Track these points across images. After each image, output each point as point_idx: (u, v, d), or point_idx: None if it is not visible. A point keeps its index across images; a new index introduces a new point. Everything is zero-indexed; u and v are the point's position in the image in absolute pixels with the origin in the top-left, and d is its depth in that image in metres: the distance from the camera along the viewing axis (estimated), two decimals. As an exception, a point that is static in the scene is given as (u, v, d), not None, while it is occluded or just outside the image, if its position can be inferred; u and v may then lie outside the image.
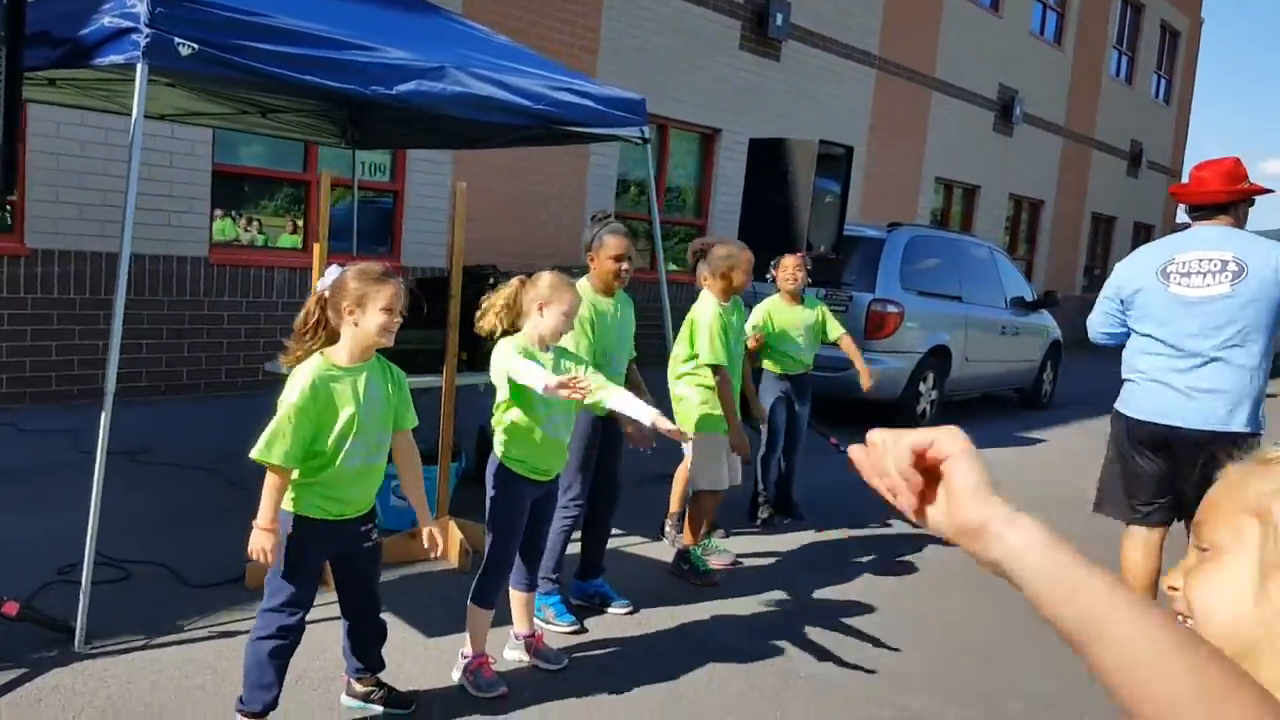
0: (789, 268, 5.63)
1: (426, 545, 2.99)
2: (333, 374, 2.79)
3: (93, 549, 3.54)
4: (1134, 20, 22.85)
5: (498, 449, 3.38)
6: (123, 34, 3.55)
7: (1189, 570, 0.97)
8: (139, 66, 3.50)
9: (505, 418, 3.35)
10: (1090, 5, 20.69)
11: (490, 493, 3.41)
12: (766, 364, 5.72)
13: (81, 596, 3.51)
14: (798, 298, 5.68)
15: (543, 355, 3.31)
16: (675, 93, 11.97)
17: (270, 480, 2.73)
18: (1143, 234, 25.20)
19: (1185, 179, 4.11)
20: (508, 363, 3.18)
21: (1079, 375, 13.10)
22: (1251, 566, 0.90)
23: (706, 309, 4.63)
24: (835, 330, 5.86)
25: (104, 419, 3.55)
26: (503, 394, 3.31)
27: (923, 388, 9.16)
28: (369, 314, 2.76)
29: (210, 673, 3.41)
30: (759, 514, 5.77)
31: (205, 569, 4.29)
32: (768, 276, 5.85)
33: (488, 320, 3.36)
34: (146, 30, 3.46)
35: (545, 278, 3.33)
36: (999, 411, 10.95)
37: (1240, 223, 3.88)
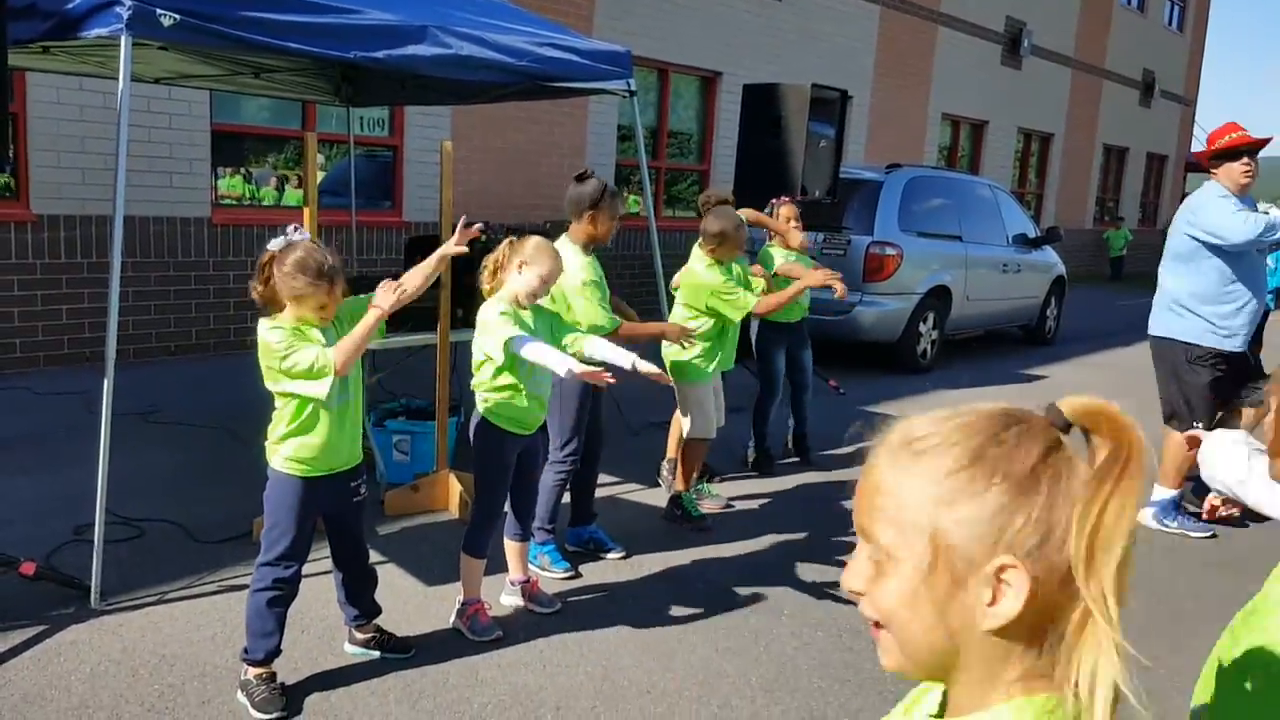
0: (790, 219, 5.69)
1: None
2: (295, 328, 2.92)
3: (103, 509, 3.69)
4: (1146, -55, 22.38)
5: (480, 406, 3.49)
6: (105, 6, 3.61)
7: (869, 580, 0.89)
8: (123, 38, 3.56)
9: (492, 380, 3.45)
10: (1100, -69, 20.26)
11: (476, 447, 3.53)
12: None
13: (95, 555, 3.67)
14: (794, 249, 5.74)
15: (523, 314, 3.41)
16: (676, 36, 11.89)
17: (364, 325, 2.91)
18: (1155, 164, 24.90)
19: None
20: (503, 335, 3.26)
21: (1083, 310, 13.11)
22: (927, 585, 0.83)
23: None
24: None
25: (107, 385, 3.70)
26: (480, 355, 3.41)
27: (923, 328, 9.21)
28: (304, 310, 2.91)
29: (220, 624, 3.57)
30: (767, 468, 5.84)
31: (214, 525, 4.46)
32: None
33: (483, 281, 3.48)
34: (128, 2, 3.51)
35: (532, 240, 3.43)
36: (1003, 349, 11.00)
37: (1220, 176, 4.93)
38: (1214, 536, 5.10)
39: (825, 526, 4.96)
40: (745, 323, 5.75)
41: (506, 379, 3.42)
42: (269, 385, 2.95)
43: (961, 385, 8.79)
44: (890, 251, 8.68)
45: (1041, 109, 19.71)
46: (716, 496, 5.17)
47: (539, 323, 3.50)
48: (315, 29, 3.97)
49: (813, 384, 6.10)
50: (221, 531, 4.40)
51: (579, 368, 3.12)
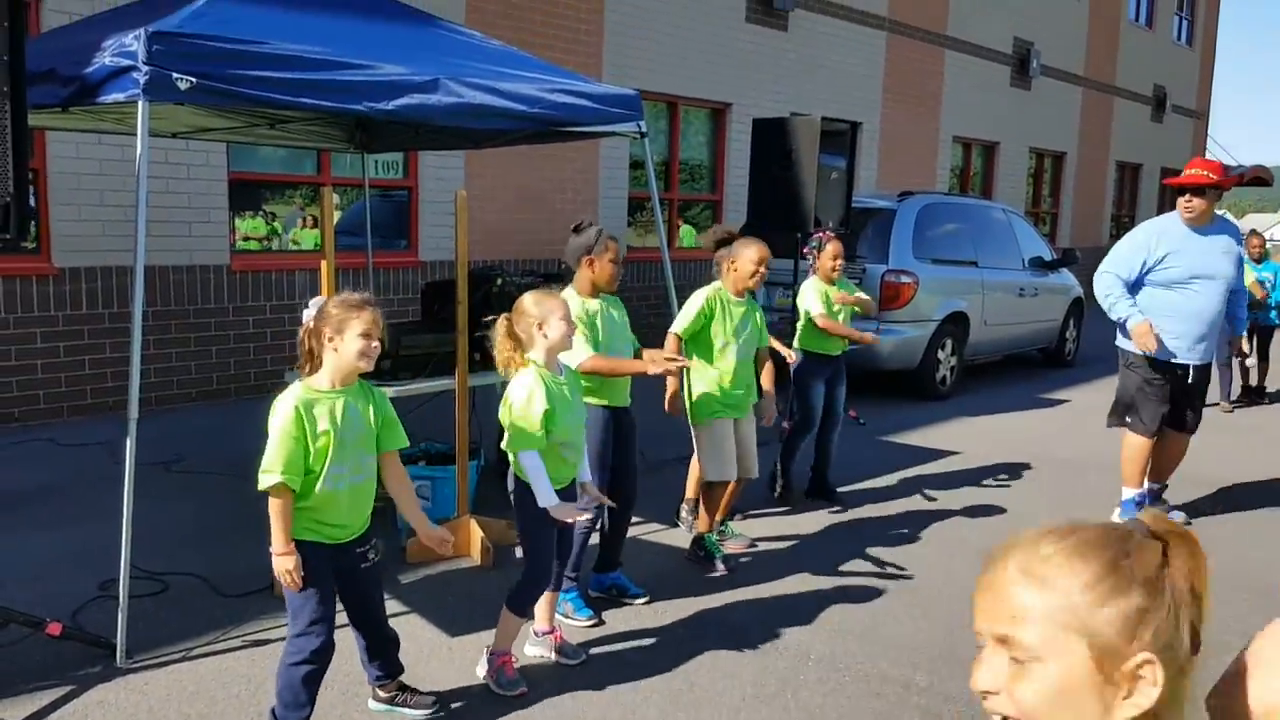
0: (836, 257, 5.70)
1: (437, 549, 3.12)
2: (312, 398, 2.90)
3: (128, 566, 3.71)
4: (1151, -38, 22.42)
5: (515, 466, 3.48)
6: (123, 72, 3.67)
7: (1009, 679, 0.99)
8: (140, 104, 3.62)
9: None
10: (1105, -50, 20.32)
11: (516, 505, 3.53)
12: (806, 346, 5.79)
13: (120, 613, 3.69)
14: (833, 280, 5.76)
15: (554, 380, 3.42)
16: (683, 70, 11.97)
17: (274, 505, 2.86)
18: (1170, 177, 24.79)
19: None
20: (524, 436, 3.33)
21: (1104, 330, 13.01)
22: (1073, 681, 0.96)
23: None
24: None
25: (129, 443, 3.72)
26: (506, 422, 3.41)
27: (941, 355, 9.18)
28: (347, 340, 2.87)
29: (245, 682, 3.57)
30: (787, 497, 5.83)
31: (238, 577, 4.47)
32: (805, 255, 5.92)
33: (502, 364, 3.46)
34: (145, 68, 3.57)
35: (526, 300, 3.42)
36: (1023, 373, 10.95)
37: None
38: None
39: (851, 565, 4.92)
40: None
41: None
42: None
43: (982, 412, 8.75)
44: (906, 279, 8.67)
45: (1053, 128, 19.70)
46: (740, 536, 5.14)
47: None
48: (328, 85, 4.03)
49: (842, 422, 6.01)
50: (245, 584, 4.41)
51: (555, 506, 3.33)
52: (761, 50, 13.01)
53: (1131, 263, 5.43)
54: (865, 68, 14.84)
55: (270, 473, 2.83)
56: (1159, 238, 5.40)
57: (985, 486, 6.42)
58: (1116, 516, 5.53)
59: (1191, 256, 5.33)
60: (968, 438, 7.77)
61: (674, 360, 4.12)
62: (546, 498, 3.34)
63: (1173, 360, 5.44)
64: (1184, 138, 24.90)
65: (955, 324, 9.28)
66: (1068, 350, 11.53)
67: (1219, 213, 5.57)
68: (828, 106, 13.71)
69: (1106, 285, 5.48)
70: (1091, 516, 0.95)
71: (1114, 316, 5.49)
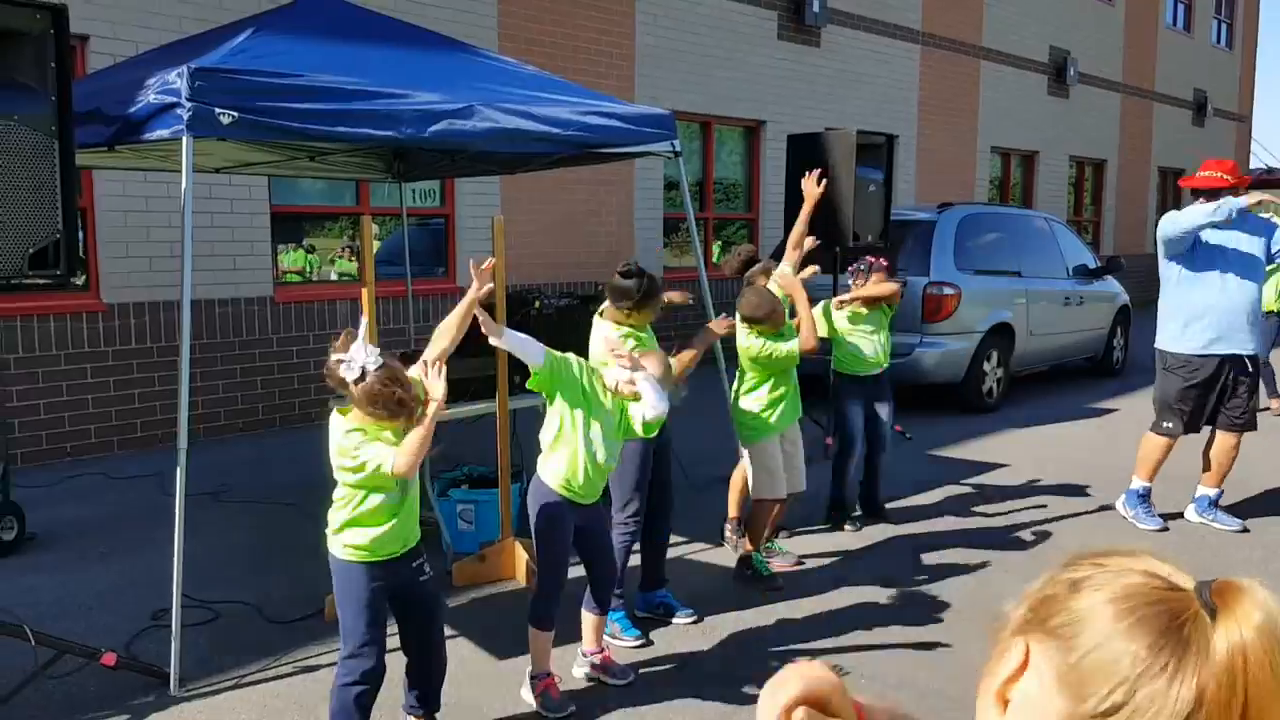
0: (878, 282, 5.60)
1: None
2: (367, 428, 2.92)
3: (179, 596, 3.75)
4: (1188, -35, 22.17)
5: (541, 462, 3.48)
6: (167, 109, 3.74)
7: None
8: (184, 139, 3.69)
9: (553, 438, 3.46)
10: (1139, -45, 20.13)
11: (531, 512, 3.53)
12: (839, 368, 5.72)
13: (173, 642, 3.72)
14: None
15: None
16: (716, 90, 12.00)
17: (419, 433, 2.84)
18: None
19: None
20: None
21: (1152, 337, 12.79)
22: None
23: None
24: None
25: (179, 474, 3.76)
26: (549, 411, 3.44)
27: (987, 367, 9.06)
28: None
29: (297, 708, 3.59)
30: (844, 522, 5.68)
31: (287, 604, 4.50)
32: (848, 273, 5.83)
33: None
34: (188, 104, 3.64)
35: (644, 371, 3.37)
36: (1071, 383, 10.77)
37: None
38: (1165, 529, 5.65)
39: (900, 582, 4.84)
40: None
41: (566, 445, 3.42)
42: (337, 477, 2.97)
43: (1031, 424, 8.61)
44: (948, 291, 8.58)
45: (1092, 136, 19.48)
46: (787, 554, 5.09)
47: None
48: (365, 114, 4.07)
49: (891, 440, 5.89)
50: (294, 610, 4.43)
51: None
52: (794, 67, 13.00)
53: (1183, 230, 5.38)
54: (900, 81, 14.79)
55: (391, 461, 2.82)
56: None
57: (1035, 499, 6.30)
58: (1120, 506, 5.86)
59: (1219, 250, 5.40)
60: (1016, 450, 7.65)
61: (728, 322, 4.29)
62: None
63: (1209, 353, 5.44)
64: (1226, 141, 24.49)
65: (1000, 335, 9.16)
66: (1115, 359, 11.34)
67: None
68: (863, 121, 13.66)
69: (1191, 213, 5.32)
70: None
71: (1216, 215, 5.14)
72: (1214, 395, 5.53)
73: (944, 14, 15.42)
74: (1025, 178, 18.25)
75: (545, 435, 3.49)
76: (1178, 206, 23.75)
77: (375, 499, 2.93)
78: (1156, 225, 5.67)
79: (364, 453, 2.84)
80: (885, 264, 5.74)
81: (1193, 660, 0.74)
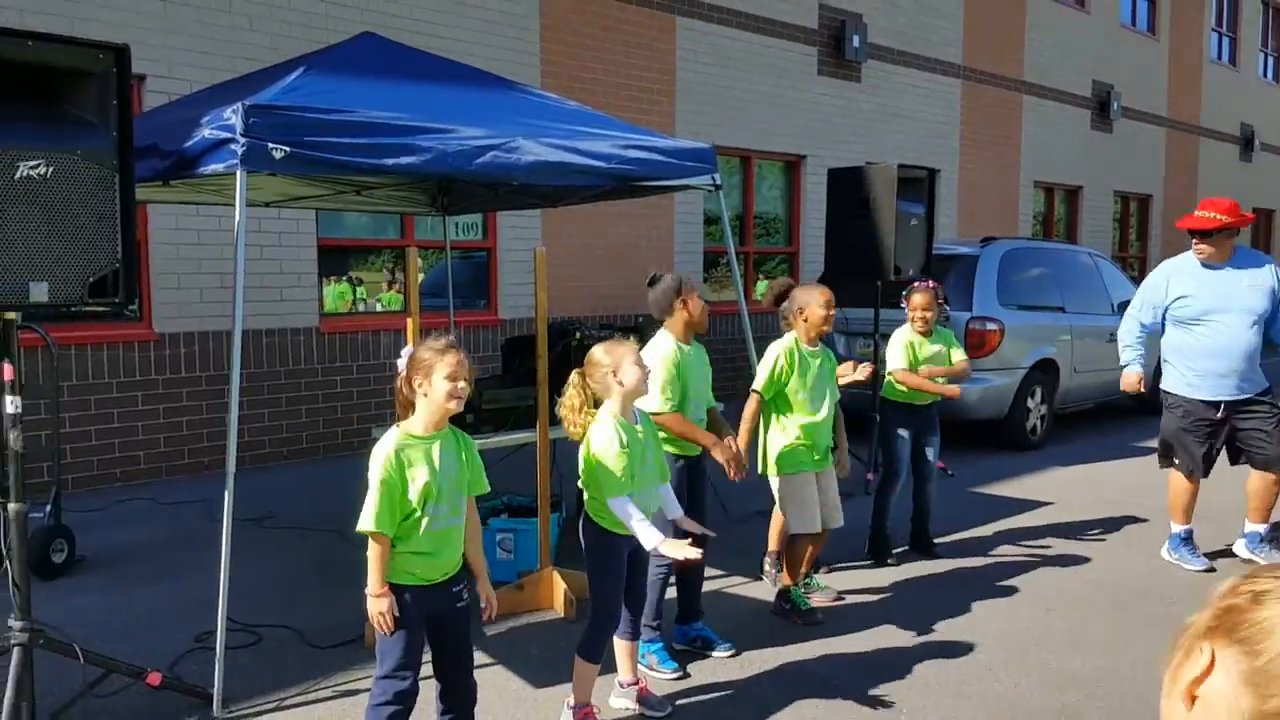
0: (919, 308, 5.61)
1: (483, 607, 3.15)
2: (408, 443, 2.98)
3: (224, 619, 3.81)
4: (1232, 0, 22.00)
5: (588, 508, 3.51)
6: (222, 144, 3.86)
7: None
8: (239, 173, 3.80)
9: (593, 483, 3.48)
10: (1184, -10, 20.04)
11: (587, 548, 3.54)
12: (889, 395, 5.71)
13: (217, 664, 3.78)
14: (928, 331, 5.68)
15: (630, 427, 3.45)
16: (756, 125, 12.09)
17: (373, 549, 2.93)
18: (1263, 219, 24.05)
19: None
20: (609, 478, 3.35)
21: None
22: None
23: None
24: (957, 356, 5.77)
25: (227, 498, 3.83)
26: (583, 469, 3.45)
27: (1031, 403, 8.97)
28: (435, 383, 2.94)
29: (335, 732, 3.62)
30: (886, 557, 5.63)
31: (328, 630, 4.55)
32: (902, 305, 5.83)
33: (572, 426, 3.49)
34: (242, 139, 3.75)
35: (596, 351, 3.47)
36: (1118, 420, 10.62)
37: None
38: (1212, 570, 5.53)
39: (942, 619, 4.79)
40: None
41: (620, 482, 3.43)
42: None
43: (1076, 461, 8.50)
44: (991, 326, 8.53)
45: (1137, 170, 19.32)
46: (826, 589, 5.05)
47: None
48: (412, 148, 4.16)
49: (936, 474, 5.86)
50: (335, 636, 4.48)
51: (663, 542, 3.27)
52: (835, 102, 13.07)
53: (1149, 304, 5.65)
54: (941, 115, 14.79)
55: (368, 520, 2.89)
56: (1171, 278, 5.56)
57: (1080, 538, 6.21)
58: (1164, 553, 5.78)
59: (1206, 294, 5.41)
60: (1061, 487, 7.54)
61: (743, 466, 4.13)
62: (650, 538, 3.29)
63: (1202, 398, 5.45)
64: (1275, 177, 24.15)
65: (1044, 371, 9.07)
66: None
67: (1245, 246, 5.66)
68: (904, 155, 13.69)
69: (1124, 329, 5.79)
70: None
71: (1121, 361, 5.77)
72: (1219, 439, 5.50)
73: (984, 48, 15.43)
74: (1069, 212, 18.11)
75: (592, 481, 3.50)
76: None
77: (415, 529, 2.97)
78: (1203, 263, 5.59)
79: (371, 492, 2.92)
80: (933, 285, 5.73)
81: None
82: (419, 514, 2.96)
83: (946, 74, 14.81)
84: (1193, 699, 0.98)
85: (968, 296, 8.63)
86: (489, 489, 3.23)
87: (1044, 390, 9.10)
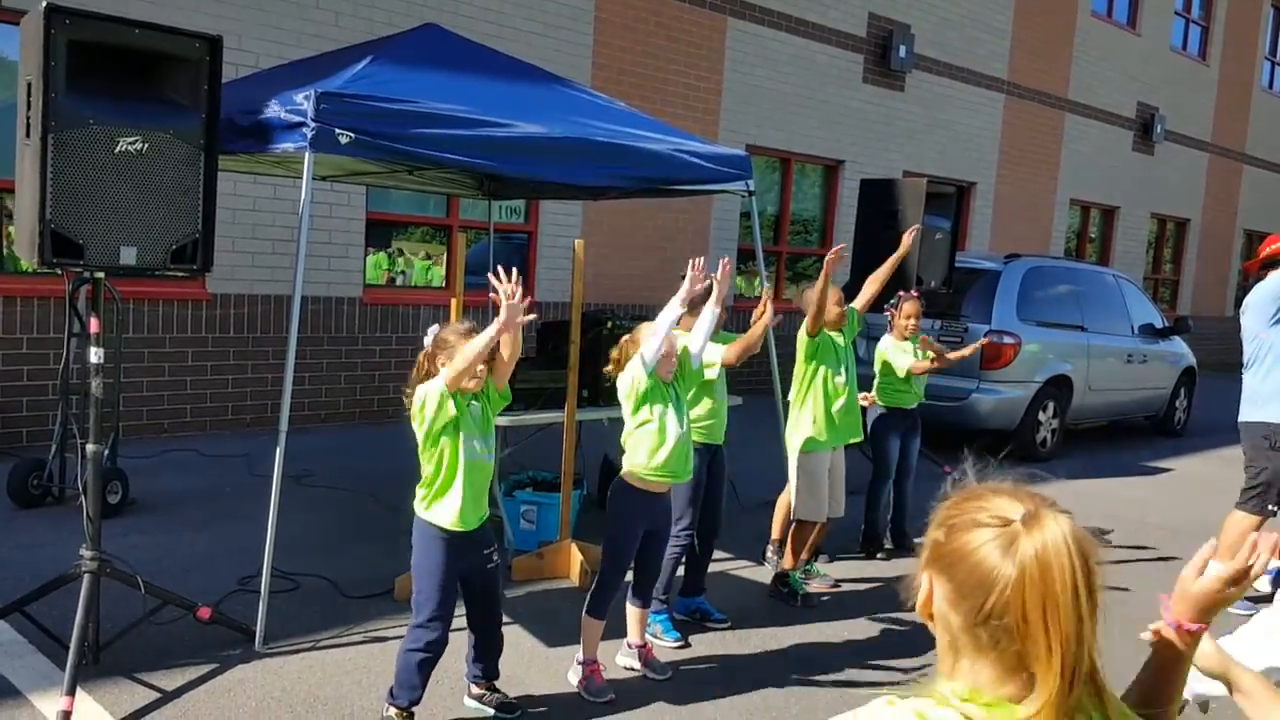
0: (910, 316, 5.93)
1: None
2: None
3: (270, 564, 4.18)
4: (1288, 29, 21.88)
5: (625, 462, 3.84)
6: (293, 126, 4.20)
7: None
8: (307, 155, 4.14)
9: (635, 428, 3.81)
10: (1238, 17, 19.96)
11: (610, 511, 3.91)
12: (885, 401, 6.02)
13: (261, 604, 4.15)
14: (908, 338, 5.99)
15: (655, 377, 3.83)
16: (798, 128, 12.32)
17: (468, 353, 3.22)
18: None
19: None
20: (634, 368, 3.78)
21: (1220, 401, 12.69)
22: None
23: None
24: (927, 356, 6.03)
25: (278, 453, 4.19)
26: (628, 409, 3.80)
27: (1042, 416, 9.20)
28: (459, 371, 3.28)
29: (365, 671, 3.98)
30: (876, 551, 5.96)
31: (360, 581, 4.92)
32: (885, 311, 6.15)
33: (614, 366, 4.01)
34: (313, 124, 4.09)
35: (643, 329, 3.92)
36: (1129, 439, 10.81)
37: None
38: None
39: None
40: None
41: (649, 422, 3.75)
42: (421, 455, 3.35)
43: (1082, 475, 8.72)
44: (1008, 340, 8.76)
45: (1176, 194, 19.33)
46: (824, 576, 5.36)
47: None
48: (471, 141, 4.49)
49: (915, 471, 6.18)
50: (366, 587, 4.84)
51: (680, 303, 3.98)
52: (877, 110, 13.27)
53: (1268, 309, 5.33)
54: (982, 129, 14.94)
55: (446, 376, 3.24)
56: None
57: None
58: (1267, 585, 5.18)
59: None
60: (1063, 498, 7.61)
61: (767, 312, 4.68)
62: (670, 308, 3.97)
63: None
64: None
65: (1058, 386, 9.30)
66: (1177, 419, 11.34)
67: None
68: (942, 165, 13.87)
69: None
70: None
71: None
72: None
73: (1031, 65, 15.54)
74: (1104, 231, 18.19)
75: (633, 428, 3.83)
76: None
77: (450, 468, 3.28)
78: (1239, 288, 5.66)
79: (418, 393, 3.24)
80: (916, 294, 6.07)
81: (1012, 558, 1.19)
82: (456, 441, 3.28)
83: (990, 88, 14.94)
84: (930, 616, 1.29)
85: (987, 310, 8.86)
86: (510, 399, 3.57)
87: (1057, 405, 9.33)
